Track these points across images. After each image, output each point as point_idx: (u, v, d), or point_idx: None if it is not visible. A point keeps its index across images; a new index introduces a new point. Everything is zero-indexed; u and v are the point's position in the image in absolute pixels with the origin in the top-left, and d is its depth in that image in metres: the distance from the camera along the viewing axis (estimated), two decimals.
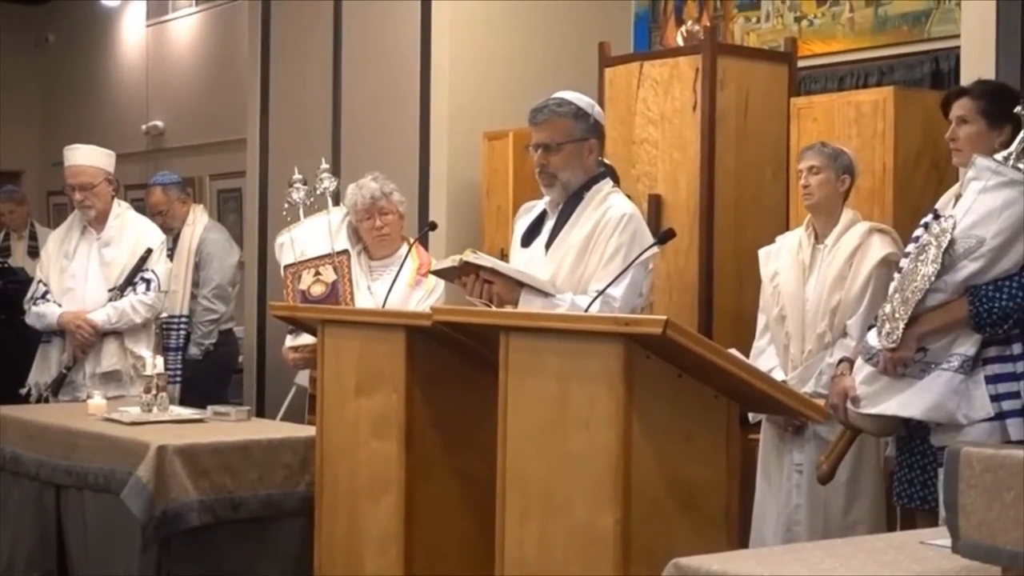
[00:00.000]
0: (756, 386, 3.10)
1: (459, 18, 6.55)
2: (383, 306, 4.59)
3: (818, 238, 4.51)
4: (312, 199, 5.51)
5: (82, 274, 5.82)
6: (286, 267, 5.26)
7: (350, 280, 5.07)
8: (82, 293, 5.78)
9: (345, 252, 5.11)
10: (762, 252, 4.67)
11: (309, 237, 5.26)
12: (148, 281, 5.77)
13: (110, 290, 5.74)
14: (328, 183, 5.41)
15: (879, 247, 4.37)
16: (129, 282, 5.75)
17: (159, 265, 5.85)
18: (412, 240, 5.11)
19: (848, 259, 4.39)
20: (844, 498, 4.38)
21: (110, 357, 5.69)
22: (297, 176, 5.55)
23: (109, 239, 5.83)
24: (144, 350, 5.67)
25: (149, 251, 5.81)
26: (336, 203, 5.32)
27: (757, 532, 4.53)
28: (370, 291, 4.99)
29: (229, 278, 7.00)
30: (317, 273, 5.13)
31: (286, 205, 5.62)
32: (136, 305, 5.73)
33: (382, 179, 5.17)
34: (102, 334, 5.68)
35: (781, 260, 4.57)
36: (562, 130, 4.04)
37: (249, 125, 7.75)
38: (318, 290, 5.11)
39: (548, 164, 4.05)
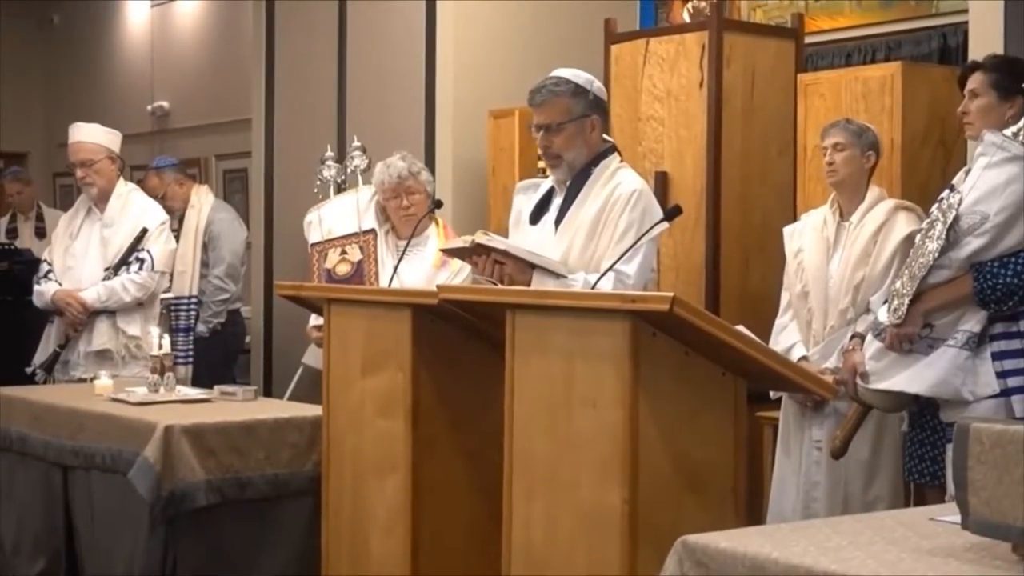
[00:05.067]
0: (764, 363, 3.08)
1: None
2: (389, 285, 4.57)
3: (843, 215, 4.48)
4: (343, 177, 5.50)
5: (82, 253, 5.82)
6: (313, 245, 5.25)
7: (376, 260, 5.05)
8: (80, 272, 5.78)
9: (372, 231, 5.09)
10: (786, 230, 4.64)
11: (337, 215, 5.25)
12: (142, 261, 5.74)
13: (106, 269, 5.74)
14: (359, 161, 5.40)
15: (904, 224, 4.34)
16: (124, 262, 5.74)
17: (156, 245, 5.81)
18: (423, 216, 5.05)
19: (873, 236, 4.37)
20: (864, 475, 4.37)
21: (101, 336, 5.68)
22: (329, 153, 5.53)
23: (111, 219, 5.82)
24: (137, 330, 5.66)
25: (144, 231, 5.79)
26: (366, 181, 5.30)
27: (776, 508, 4.51)
28: (396, 271, 4.95)
29: (239, 257, 7.01)
30: (343, 252, 5.12)
31: (317, 182, 5.60)
32: (127, 284, 5.70)
33: (410, 158, 5.14)
34: (94, 313, 5.67)
35: (805, 237, 4.55)
36: (562, 110, 4.01)
37: (254, 105, 7.73)
38: (344, 269, 5.09)
39: (551, 145, 4.02)
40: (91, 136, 5.93)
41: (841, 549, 2.22)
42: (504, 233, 4.29)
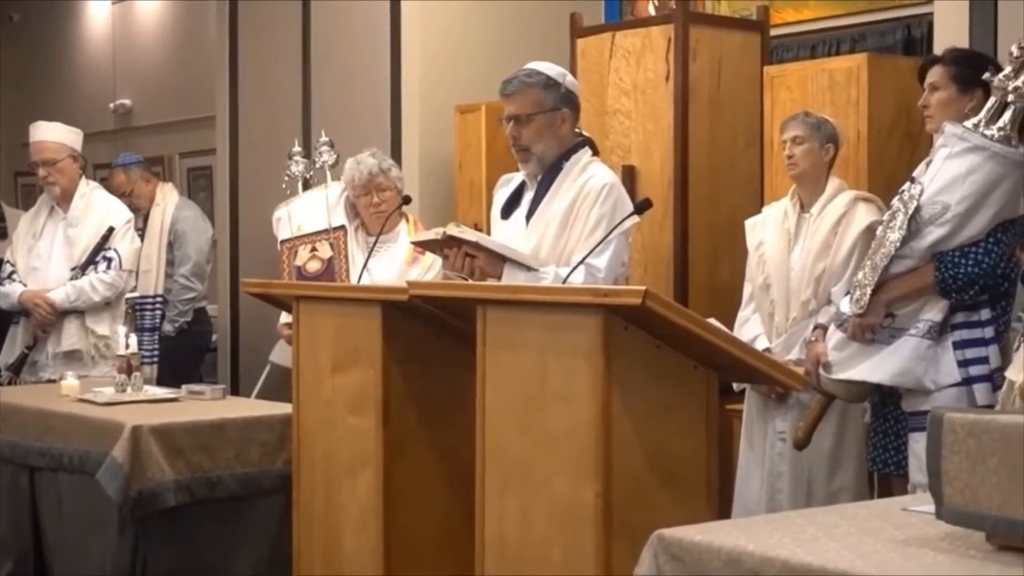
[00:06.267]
0: (736, 355, 3.09)
1: None
2: (357, 281, 4.55)
3: (803, 207, 4.50)
4: (311, 173, 5.45)
5: (47, 253, 5.80)
6: (282, 242, 5.22)
7: (347, 256, 5.03)
8: (46, 272, 5.76)
9: (342, 228, 5.07)
10: (748, 222, 4.66)
11: (306, 212, 5.22)
12: (109, 260, 5.73)
13: (72, 269, 5.71)
14: (327, 156, 5.37)
15: (864, 215, 4.36)
16: (91, 261, 5.72)
17: (122, 244, 5.81)
18: (391, 212, 5.03)
19: (833, 227, 4.39)
20: (828, 466, 4.39)
21: (70, 337, 5.66)
22: (296, 148, 5.50)
23: (75, 218, 5.81)
24: (106, 329, 5.64)
25: (111, 229, 5.78)
26: (335, 177, 5.28)
27: (741, 500, 4.53)
28: (367, 269, 4.93)
29: (205, 255, 6.97)
30: (313, 249, 5.09)
31: (285, 178, 5.57)
32: (95, 284, 5.70)
33: (380, 155, 5.12)
34: (62, 313, 5.65)
35: (767, 230, 4.56)
36: (532, 101, 4.00)
37: (218, 102, 7.69)
38: (314, 266, 5.07)
39: (520, 137, 4.01)
40: (53, 135, 5.90)
41: (816, 540, 2.22)
42: (473, 227, 4.28)
